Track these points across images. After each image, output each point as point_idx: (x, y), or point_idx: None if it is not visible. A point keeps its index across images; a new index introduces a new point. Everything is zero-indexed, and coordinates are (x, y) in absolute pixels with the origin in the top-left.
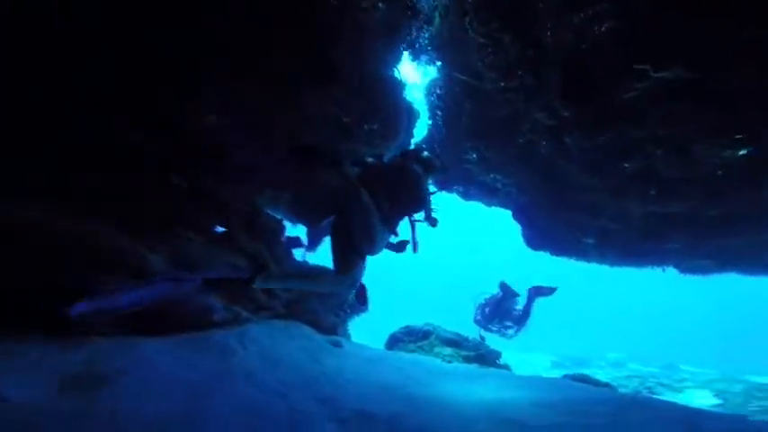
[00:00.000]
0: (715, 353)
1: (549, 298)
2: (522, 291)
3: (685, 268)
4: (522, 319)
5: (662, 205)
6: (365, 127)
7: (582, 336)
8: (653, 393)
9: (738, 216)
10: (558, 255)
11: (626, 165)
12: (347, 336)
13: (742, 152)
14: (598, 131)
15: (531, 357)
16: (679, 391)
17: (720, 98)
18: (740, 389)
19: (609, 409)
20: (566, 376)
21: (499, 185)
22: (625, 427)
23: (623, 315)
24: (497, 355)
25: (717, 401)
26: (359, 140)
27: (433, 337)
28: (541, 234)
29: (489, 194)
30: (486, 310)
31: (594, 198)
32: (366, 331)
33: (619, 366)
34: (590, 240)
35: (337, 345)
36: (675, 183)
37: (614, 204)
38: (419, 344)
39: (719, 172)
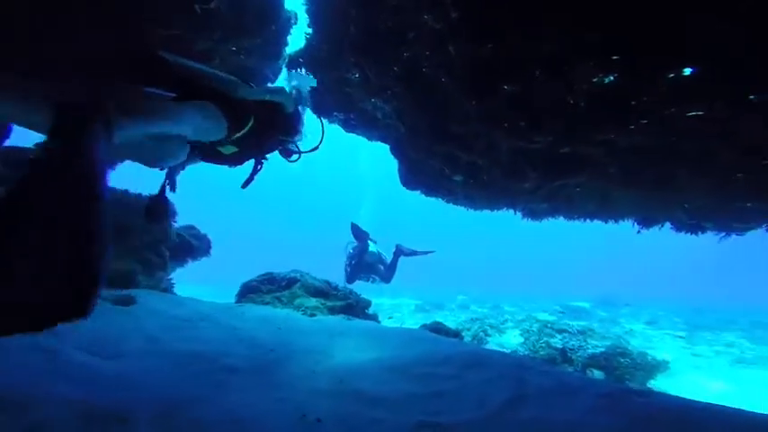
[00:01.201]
0: (527, 293)
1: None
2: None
3: (527, 212)
4: (387, 274)
5: (528, 140)
6: (195, 7)
7: (440, 280)
8: (487, 336)
9: (583, 157)
10: (429, 194)
11: (505, 86)
12: (166, 288)
13: (608, 79)
14: (484, 39)
15: (399, 302)
16: (503, 332)
17: (617, 7)
18: (536, 327)
19: (453, 370)
20: (423, 326)
21: (380, 115)
22: (467, 390)
23: (470, 261)
24: (367, 304)
25: (521, 339)
26: (183, 26)
27: (298, 285)
28: (416, 170)
29: (370, 125)
30: (353, 262)
31: (469, 128)
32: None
33: (464, 309)
34: (458, 177)
35: (127, 302)
36: (544, 113)
37: (486, 136)
38: (278, 294)
39: (582, 103)
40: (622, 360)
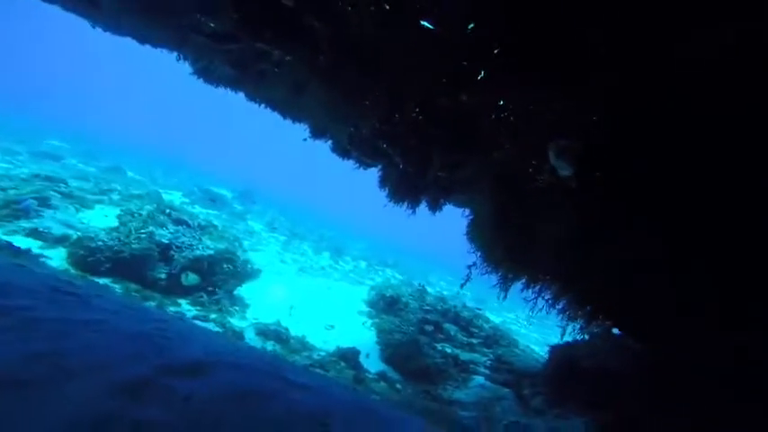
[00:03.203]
0: (182, 161)
1: None
2: None
3: (202, 68)
4: None
5: None
6: None
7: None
8: (48, 207)
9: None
10: None
11: None
12: None
13: None
14: None
15: None
16: (89, 205)
17: None
18: (147, 211)
19: None
20: None
21: None
22: None
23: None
24: None
25: (114, 223)
26: None
27: None
28: None
29: None
30: None
31: None
32: None
33: (47, 158)
34: None
35: None
36: None
37: None
38: None
39: None
40: (225, 266)
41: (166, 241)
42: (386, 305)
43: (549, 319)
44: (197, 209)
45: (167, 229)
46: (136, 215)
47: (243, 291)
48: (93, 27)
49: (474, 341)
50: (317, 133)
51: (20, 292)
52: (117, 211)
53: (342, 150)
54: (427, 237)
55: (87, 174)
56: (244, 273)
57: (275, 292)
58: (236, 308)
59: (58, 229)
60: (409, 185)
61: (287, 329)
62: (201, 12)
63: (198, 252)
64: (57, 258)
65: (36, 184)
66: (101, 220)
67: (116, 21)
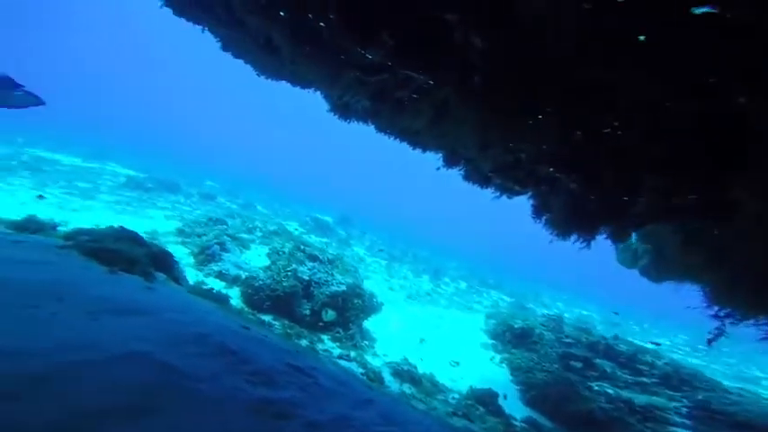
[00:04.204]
0: (288, 192)
1: None
2: None
3: (340, 106)
4: None
5: None
6: None
7: (183, 155)
8: (225, 251)
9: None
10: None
11: None
12: None
13: None
14: None
15: (101, 166)
16: (247, 246)
17: None
18: (288, 248)
19: None
20: None
21: None
22: None
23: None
24: None
25: (267, 261)
26: None
27: None
28: None
29: None
30: None
31: None
32: None
33: (208, 199)
34: None
35: None
36: None
37: None
38: None
39: None
40: (356, 301)
41: (306, 278)
42: (514, 337)
43: (726, 347)
44: (312, 238)
45: (306, 265)
46: (280, 253)
47: (369, 324)
48: (258, 76)
49: (645, 380)
50: (450, 161)
51: (275, 375)
52: (266, 249)
53: (481, 178)
54: (521, 251)
55: (233, 212)
56: (370, 307)
57: (394, 324)
58: (367, 342)
59: (233, 271)
60: (586, 214)
61: (415, 367)
62: (362, 41)
63: (333, 288)
64: (234, 297)
65: (214, 229)
66: (257, 259)
67: (284, 67)
